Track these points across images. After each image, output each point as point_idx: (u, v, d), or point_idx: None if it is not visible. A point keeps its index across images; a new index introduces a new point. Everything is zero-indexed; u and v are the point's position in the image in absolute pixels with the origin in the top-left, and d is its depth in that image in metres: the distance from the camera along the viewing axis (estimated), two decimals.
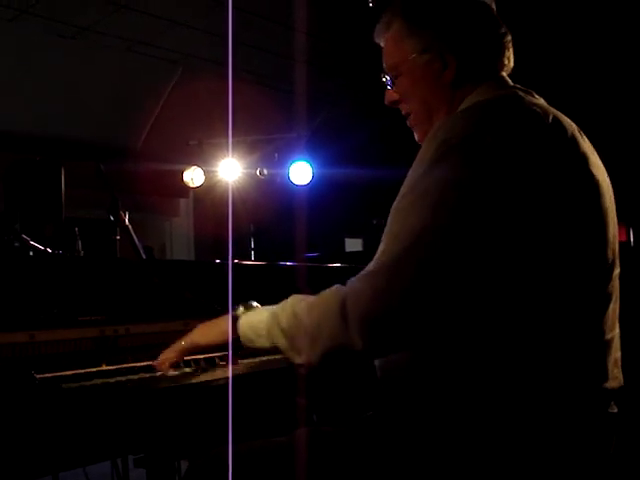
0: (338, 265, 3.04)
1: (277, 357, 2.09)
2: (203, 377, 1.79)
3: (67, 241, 4.27)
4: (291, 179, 7.39)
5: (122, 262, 2.40)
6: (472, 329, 1.55)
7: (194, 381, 1.75)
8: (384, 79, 1.82)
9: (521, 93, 1.70)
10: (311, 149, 7.49)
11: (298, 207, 7.31)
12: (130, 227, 2.92)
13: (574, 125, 1.68)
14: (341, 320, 1.48)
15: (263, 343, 1.64)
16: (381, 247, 1.57)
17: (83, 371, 1.64)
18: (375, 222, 9.27)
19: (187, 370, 1.86)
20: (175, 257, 9.00)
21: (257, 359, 2.11)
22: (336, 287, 1.55)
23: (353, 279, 1.53)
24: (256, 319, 1.66)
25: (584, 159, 1.63)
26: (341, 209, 8.83)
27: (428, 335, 1.53)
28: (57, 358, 1.75)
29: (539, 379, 1.55)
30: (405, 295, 1.44)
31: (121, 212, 2.96)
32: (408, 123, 1.83)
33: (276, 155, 7.27)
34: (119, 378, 1.61)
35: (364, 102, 7.89)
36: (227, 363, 1.95)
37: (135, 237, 2.85)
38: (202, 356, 1.93)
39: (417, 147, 1.82)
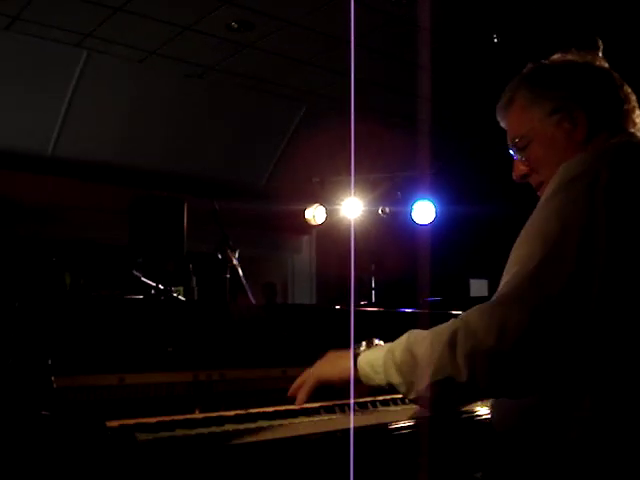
0: (462, 312, 2.90)
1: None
2: (292, 431, 1.68)
3: (183, 277, 4.31)
4: (414, 218, 7.26)
5: (220, 307, 2.33)
6: (584, 371, 1.46)
7: (281, 435, 1.64)
8: (511, 152, 1.81)
9: None
10: (435, 187, 7.35)
11: (420, 247, 7.17)
12: (238, 266, 2.89)
13: None
14: (449, 350, 1.47)
15: (380, 381, 1.64)
16: (506, 271, 1.57)
17: (168, 419, 1.57)
18: (502, 262, 9.03)
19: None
20: (297, 293, 9.05)
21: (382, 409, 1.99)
22: (451, 320, 1.54)
23: (469, 311, 1.51)
24: (374, 356, 1.66)
25: None
26: (465, 249, 8.64)
27: (538, 376, 1.47)
28: (147, 402, 1.70)
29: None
30: (519, 329, 1.42)
31: (229, 250, 2.93)
32: (540, 194, 1.77)
33: (399, 193, 7.16)
34: (201, 430, 1.52)
35: (489, 141, 7.72)
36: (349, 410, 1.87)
37: (242, 276, 2.82)
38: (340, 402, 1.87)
39: None
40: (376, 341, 1.75)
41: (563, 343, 1.43)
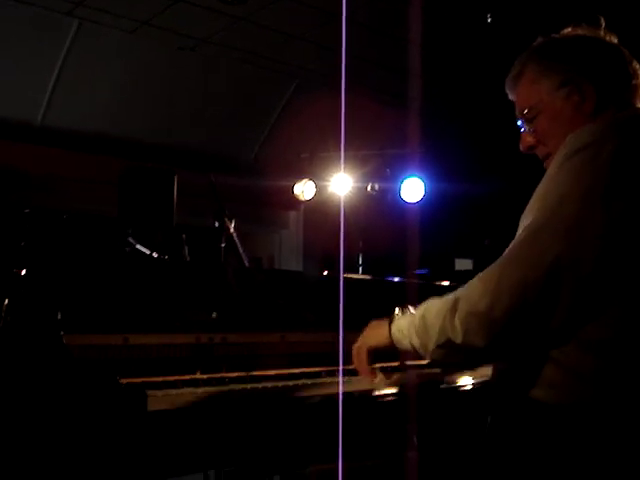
0: (447, 284, 2.93)
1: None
2: (298, 393, 1.71)
3: (175, 247, 4.31)
4: (402, 196, 7.26)
5: (222, 269, 2.34)
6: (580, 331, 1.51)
7: (288, 396, 1.67)
8: (519, 123, 1.84)
9: None
10: (424, 165, 7.35)
11: (408, 225, 7.19)
12: (235, 235, 2.90)
13: None
14: (451, 314, 1.56)
15: (407, 344, 1.76)
16: None
17: (172, 378, 1.59)
18: (487, 243, 9.04)
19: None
20: (283, 268, 9.01)
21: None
22: (460, 287, 1.62)
23: (474, 278, 1.60)
24: (402, 322, 1.80)
25: None
26: (452, 229, 8.65)
27: (530, 338, 1.54)
28: (150, 363, 1.71)
29: None
30: (510, 294, 1.48)
31: (226, 219, 2.93)
32: (546, 165, 1.80)
33: (388, 170, 7.16)
34: (208, 389, 1.54)
35: (479, 121, 7.72)
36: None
37: (239, 245, 2.83)
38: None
39: (534, 169, 1.80)
40: (410, 308, 1.84)
41: (553, 309, 1.48)
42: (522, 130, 1.84)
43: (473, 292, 1.55)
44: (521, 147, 1.85)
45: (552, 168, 1.62)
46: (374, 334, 1.88)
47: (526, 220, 1.61)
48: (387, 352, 1.90)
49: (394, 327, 1.81)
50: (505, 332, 1.52)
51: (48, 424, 1.35)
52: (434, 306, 1.66)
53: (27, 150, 6.76)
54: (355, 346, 1.91)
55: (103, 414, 1.35)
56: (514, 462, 1.57)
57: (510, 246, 1.59)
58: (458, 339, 1.55)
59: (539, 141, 1.81)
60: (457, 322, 1.54)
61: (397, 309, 1.87)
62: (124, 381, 1.49)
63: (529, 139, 1.83)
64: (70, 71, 6.59)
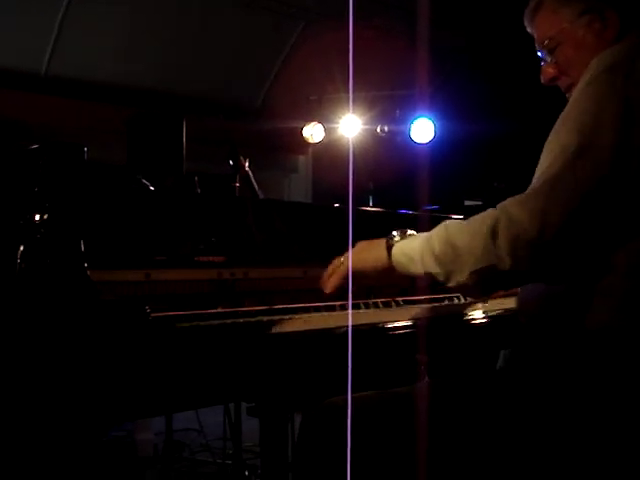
0: (460, 217, 2.94)
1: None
2: (318, 324, 1.70)
3: (188, 190, 4.28)
4: (412, 137, 7.19)
5: (243, 202, 2.31)
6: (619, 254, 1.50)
7: (313, 327, 1.66)
8: (539, 55, 1.81)
9: None
10: (434, 105, 7.27)
11: (418, 167, 7.14)
12: (250, 173, 2.87)
13: None
14: (491, 240, 1.48)
15: (416, 270, 1.66)
16: (538, 168, 1.57)
17: (199, 312, 1.58)
18: (496, 185, 8.99)
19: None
20: None
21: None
22: (490, 210, 1.55)
23: (506, 202, 1.53)
24: (410, 246, 1.69)
25: None
26: (462, 170, 8.60)
27: (579, 262, 1.51)
28: (172, 299, 1.70)
29: None
30: (560, 219, 1.44)
31: (241, 157, 2.91)
32: (569, 97, 1.73)
33: (398, 111, 7.09)
34: (236, 320, 1.54)
35: (490, 60, 7.63)
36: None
37: (255, 183, 2.80)
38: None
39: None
40: (409, 231, 1.75)
41: (601, 230, 1.46)
42: (543, 62, 1.81)
43: (518, 218, 1.48)
44: (542, 79, 1.82)
45: (577, 92, 1.58)
46: (365, 257, 1.76)
47: (552, 142, 1.56)
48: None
49: (397, 252, 1.71)
50: (553, 256, 1.48)
51: (77, 355, 1.34)
52: (462, 231, 1.57)
53: (32, 100, 6.70)
54: (337, 261, 1.80)
55: (132, 345, 1.35)
56: (538, 389, 1.56)
57: (546, 169, 1.53)
58: (505, 265, 1.48)
59: (561, 72, 1.78)
60: (503, 249, 1.48)
61: (395, 232, 1.76)
62: (152, 315, 1.48)
63: (550, 70, 1.80)
64: (74, 19, 6.51)
